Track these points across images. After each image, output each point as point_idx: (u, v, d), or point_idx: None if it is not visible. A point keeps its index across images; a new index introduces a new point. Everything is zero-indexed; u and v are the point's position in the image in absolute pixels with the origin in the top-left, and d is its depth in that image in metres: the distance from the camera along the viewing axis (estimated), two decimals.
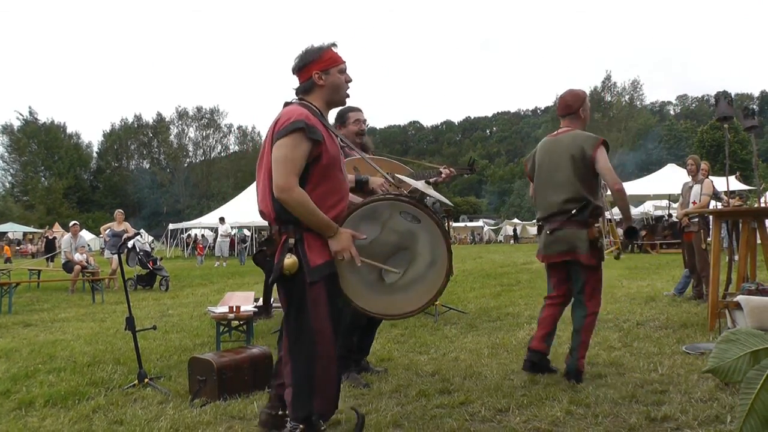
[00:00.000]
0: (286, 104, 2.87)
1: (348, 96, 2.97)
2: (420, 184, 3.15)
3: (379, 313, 3.10)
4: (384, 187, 4.16)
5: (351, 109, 4.43)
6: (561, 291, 4.26)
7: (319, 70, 2.84)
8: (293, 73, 2.94)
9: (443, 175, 4.41)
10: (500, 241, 57.18)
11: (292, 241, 2.72)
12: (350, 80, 2.95)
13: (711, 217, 7.09)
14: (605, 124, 71.11)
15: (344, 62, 2.92)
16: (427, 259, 2.98)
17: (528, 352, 4.26)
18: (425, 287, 2.99)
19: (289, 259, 2.68)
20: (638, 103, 77.26)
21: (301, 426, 2.72)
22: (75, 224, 13.07)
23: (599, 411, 3.37)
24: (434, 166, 4.53)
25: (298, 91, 2.93)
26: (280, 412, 2.97)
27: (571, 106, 4.23)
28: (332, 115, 4.36)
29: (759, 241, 5.83)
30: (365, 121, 4.44)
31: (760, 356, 1.05)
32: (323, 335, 2.75)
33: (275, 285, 2.89)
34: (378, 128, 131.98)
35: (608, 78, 75.71)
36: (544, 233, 4.18)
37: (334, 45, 2.90)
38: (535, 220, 4.32)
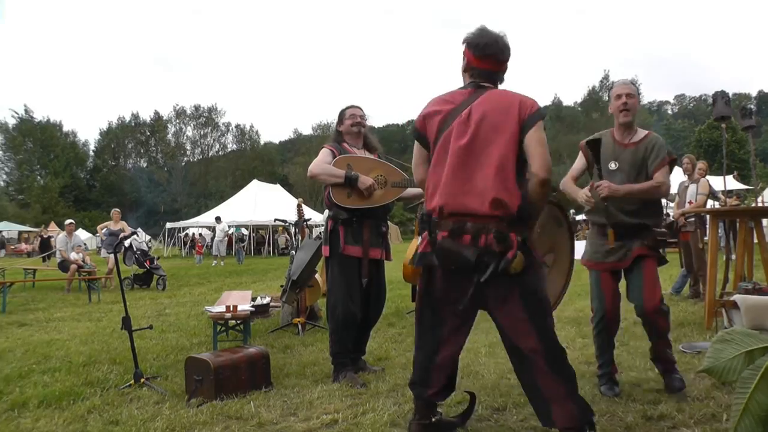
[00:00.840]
0: (482, 87, 2.80)
1: None
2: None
3: None
4: (373, 188, 4.17)
5: (348, 107, 4.55)
6: None
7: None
8: (500, 58, 2.85)
9: None
10: None
11: (521, 238, 2.60)
12: None
13: (708, 216, 7.10)
14: (603, 123, 71.24)
15: None
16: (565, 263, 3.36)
17: None
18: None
19: (520, 257, 2.55)
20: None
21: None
22: (71, 223, 13.03)
23: (596, 410, 3.35)
24: None
25: (483, 78, 2.84)
26: (434, 419, 2.95)
27: None
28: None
29: (756, 241, 5.84)
30: (362, 116, 4.50)
31: (755, 356, 1.05)
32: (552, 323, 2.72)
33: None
34: (377, 127, 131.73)
35: (606, 77, 75.92)
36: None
37: None
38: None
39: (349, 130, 4.46)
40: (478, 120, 2.67)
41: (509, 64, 2.89)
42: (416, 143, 2.93)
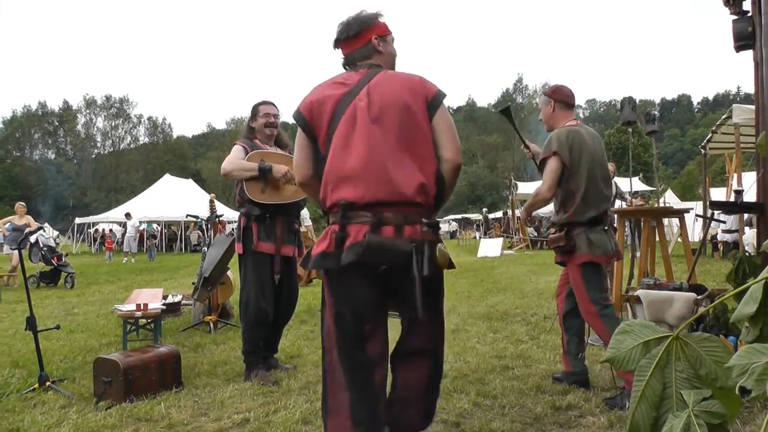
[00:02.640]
0: (369, 67, 2.52)
1: None
2: None
3: None
4: (289, 175, 4.14)
5: (262, 103, 4.50)
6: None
7: (377, 36, 2.57)
8: (343, 38, 2.59)
9: None
10: None
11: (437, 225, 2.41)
12: (397, 55, 2.69)
13: (615, 215, 7.43)
14: (517, 124, 73.16)
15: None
16: None
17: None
18: None
19: (444, 250, 2.35)
20: None
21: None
22: None
23: (506, 402, 3.48)
24: None
25: (354, 59, 2.58)
26: None
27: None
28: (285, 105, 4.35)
29: (657, 239, 6.16)
30: (276, 115, 4.46)
31: (651, 346, 1.11)
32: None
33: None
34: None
35: (520, 80, 78.49)
36: (600, 231, 3.67)
37: (381, 15, 2.63)
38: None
39: (262, 129, 4.41)
40: (382, 102, 2.38)
41: (377, 30, 2.60)
42: (300, 135, 2.52)
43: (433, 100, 2.42)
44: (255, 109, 4.47)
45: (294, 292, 4.52)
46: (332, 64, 2.77)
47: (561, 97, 3.85)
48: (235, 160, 4.16)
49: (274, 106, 4.50)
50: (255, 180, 4.12)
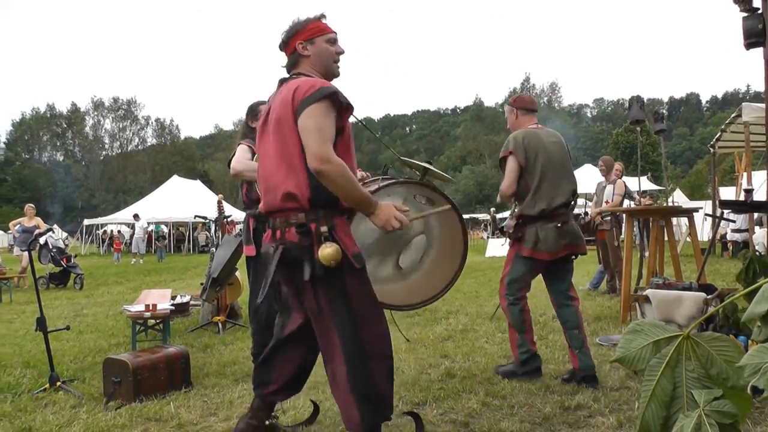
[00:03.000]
0: (284, 81, 2.68)
1: (339, 69, 2.77)
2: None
3: (398, 305, 3.17)
4: None
5: (262, 103, 4.35)
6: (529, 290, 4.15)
7: (303, 40, 2.66)
8: (280, 50, 2.75)
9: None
10: None
11: (324, 228, 2.47)
12: (341, 52, 2.75)
13: (624, 215, 7.41)
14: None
15: (333, 32, 2.73)
16: (442, 244, 3.14)
17: (537, 357, 4.10)
18: (441, 272, 3.16)
19: (331, 248, 2.41)
20: (556, 105, 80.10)
21: None
22: None
23: (515, 402, 3.47)
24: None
25: (287, 68, 2.75)
26: (267, 422, 2.86)
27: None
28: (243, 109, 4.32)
29: (666, 238, 6.14)
30: None
31: (661, 345, 1.11)
32: (379, 330, 2.58)
33: (270, 282, 2.60)
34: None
35: (527, 80, 78.43)
36: (551, 228, 3.89)
37: (323, 16, 2.73)
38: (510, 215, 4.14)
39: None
40: (271, 116, 2.60)
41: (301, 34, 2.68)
42: None
43: (299, 106, 2.46)
44: (255, 109, 4.37)
45: None
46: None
47: (522, 105, 4.24)
48: (244, 160, 4.10)
49: None
50: None
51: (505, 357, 4.58)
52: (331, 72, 2.73)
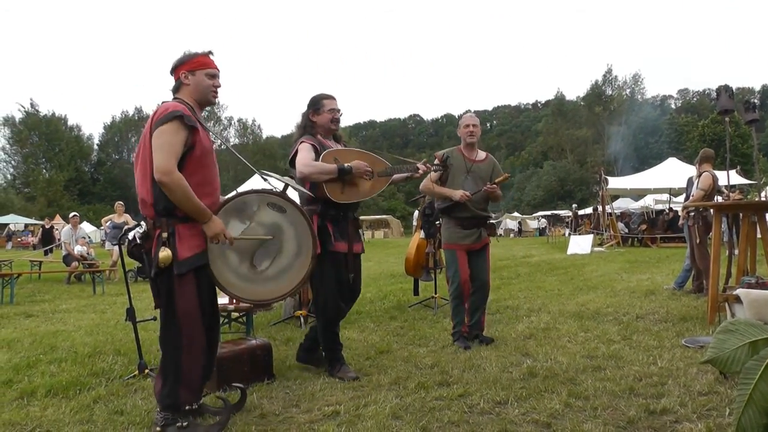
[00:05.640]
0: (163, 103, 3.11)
1: (215, 98, 3.24)
2: (285, 180, 3.49)
3: (251, 299, 3.48)
4: (369, 171, 4.12)
5: (325, 97, 4.33)
6: None
7: (186, 71, 3.12)
8: (170, 74, 3.20)
9: (420, 171, 4.38)
10: (500, 235, 57.12)
11: (165, 234, 2.93)
12: (218, 86, 3.21)
13: (711, 210, 7.09)
14: (606, 117, 71.04)
15: (216, 68, 3.20)
16: (293, 250, 3.35)
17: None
18: (293, 274, 3.37)
19: (164, 252, 2.89)
20: (639, 96, 77.28)
21: (168, 415, 2.99)
22: (75, 216, 13.09)
23: (598, 404, 3.38)
24: (411, 161, 4.51)
25: (172, 91, 3.20)
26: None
27: None
28: (304, 102, 4.38)
29: (759, 235, 5.83)
30: (339, 110, 4.34)
31: (759, 346, 1.05)
32: (189, 326, 2.99)
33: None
34: (378, 121, 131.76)
35: (609, 71, 75.81)
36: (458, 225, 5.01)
37: (210, 53, 3.21)
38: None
39: (328, 125, 4.29)
40: (144, 133, 3.04)
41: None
42: None
43: (154, 126, 2.91)
44: (318, 102, 4.29)
45: (360, 288, 4.49)
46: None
47: None
48: (310, 162, 4.04)
49: (336, 100, 4.35)
50: (333, 181, 4.06)
51: (588, 356, 4.47)
52: (206, 100, 3.21)
